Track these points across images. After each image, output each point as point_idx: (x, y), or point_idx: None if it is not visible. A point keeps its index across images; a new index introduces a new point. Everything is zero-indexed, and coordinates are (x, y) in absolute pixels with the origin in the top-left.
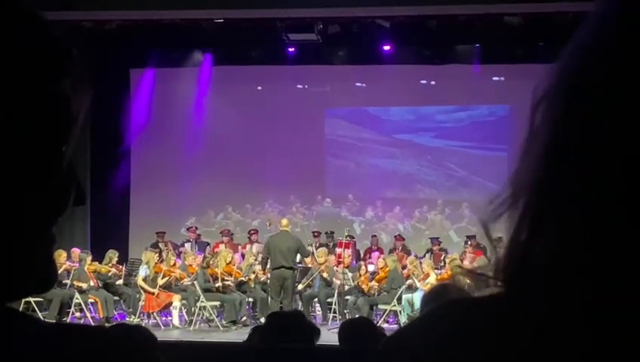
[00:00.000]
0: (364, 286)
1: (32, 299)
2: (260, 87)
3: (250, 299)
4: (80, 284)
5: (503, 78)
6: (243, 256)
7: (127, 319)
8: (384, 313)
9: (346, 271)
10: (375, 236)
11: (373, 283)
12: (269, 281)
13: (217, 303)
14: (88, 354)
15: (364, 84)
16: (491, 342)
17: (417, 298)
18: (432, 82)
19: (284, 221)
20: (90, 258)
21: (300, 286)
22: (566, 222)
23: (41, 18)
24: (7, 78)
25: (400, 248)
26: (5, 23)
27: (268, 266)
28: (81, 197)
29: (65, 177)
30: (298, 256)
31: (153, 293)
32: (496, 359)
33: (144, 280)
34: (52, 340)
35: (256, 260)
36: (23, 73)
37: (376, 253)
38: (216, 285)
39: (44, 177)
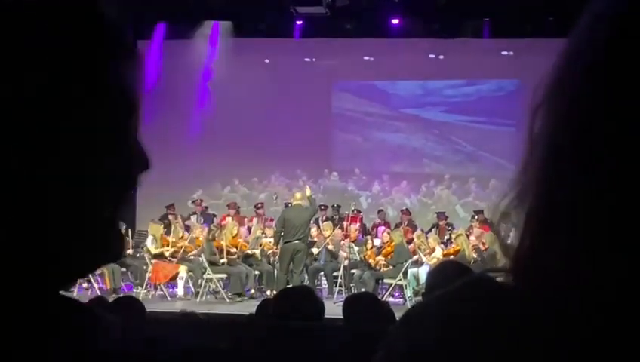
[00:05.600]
0: (370, 261)
1: None
2: (267, 60)
3: (257, 272)
4: None
5: (512, 53)
6: (249, 228)
7: (134, 290)
8: (390, 287)
9: (352, 245)
10: (382, 210)
11: (380, 257)
12: (277, 254)
13: (224, 275)
14: None
15: (372, 58)
16: (516, 327)
17: (423, 272)
18: (441, 56)
19: (299, 195)
20: None
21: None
22: (580, 225)
23: None
24: (59, 62)
25: (406, 223)
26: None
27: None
28: (146, 163)
29: (134, 148)
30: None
31: (163, 255)
32: (518, 345)
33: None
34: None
35: (263, 233)
36: (70, 57)
37: (382, 228)
38: (222, 261)
39: (115, 150)
